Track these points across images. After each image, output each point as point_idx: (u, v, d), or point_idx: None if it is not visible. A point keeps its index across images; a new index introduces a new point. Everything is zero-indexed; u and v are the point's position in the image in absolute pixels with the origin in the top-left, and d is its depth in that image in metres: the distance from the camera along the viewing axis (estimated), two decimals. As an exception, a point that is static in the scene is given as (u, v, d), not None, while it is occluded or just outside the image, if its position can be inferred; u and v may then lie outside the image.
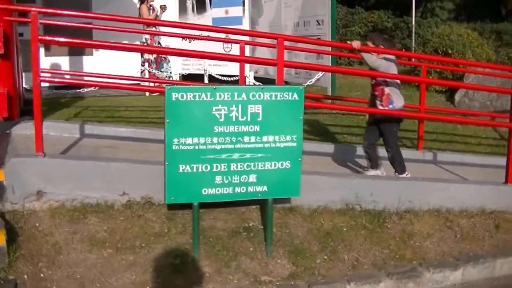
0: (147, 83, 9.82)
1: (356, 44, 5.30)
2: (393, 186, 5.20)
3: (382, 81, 5.56)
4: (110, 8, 11.10)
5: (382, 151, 5.79)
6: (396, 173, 5.67)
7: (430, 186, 5.28)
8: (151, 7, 11.97)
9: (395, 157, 5.68)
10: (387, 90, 5.55)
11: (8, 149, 5.26)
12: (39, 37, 4.48)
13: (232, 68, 11.54)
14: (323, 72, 10.24)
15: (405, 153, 6.04)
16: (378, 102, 5.58)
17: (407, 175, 5.65)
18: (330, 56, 10.26)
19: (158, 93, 10.48)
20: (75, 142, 6.08)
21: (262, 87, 4.18)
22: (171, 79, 11.78)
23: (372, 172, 5.76)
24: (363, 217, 4.94)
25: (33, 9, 4.58)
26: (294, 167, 4.29)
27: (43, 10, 5.11)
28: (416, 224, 5.03)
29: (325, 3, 10.75)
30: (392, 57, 5.62)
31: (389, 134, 5.66)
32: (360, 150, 6.73)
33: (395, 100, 5.55)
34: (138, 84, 8.91)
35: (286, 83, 12.32)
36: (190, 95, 3.99)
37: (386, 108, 5.55)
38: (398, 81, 5.67)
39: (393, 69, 5.55)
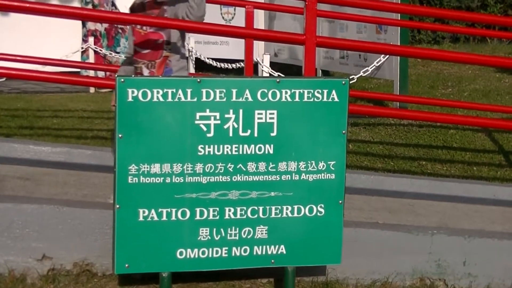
0: (91, 72, 9.96)
1: None
2: (504, 247, 5.25)
3: (163, 33, 5.55)
4: None
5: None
6: None
7: None
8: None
9: None
10: (166, 49, 5.55)
11: None
12: None
13: (235, 48, 11.69)
14: (387, 56, 10.34)
15: None
16: (145, 70, 5.58)
17: None
18: (399, 28, 10.36)
19: (109, 89, 10.60)
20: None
21: (278, 80, 4.28)
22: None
23: None
24: (450, 302, 5.01)
25: None
26: (332, 214, 4.36)
27: None
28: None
29: None
30: None
31: None
32: (449, 187, 6.79)
33: (175, 68, 5.56)
34: (77, 74, 9.03)
35: (326, 73, 12.49)
36: (157, 92, 4.08)
37: None
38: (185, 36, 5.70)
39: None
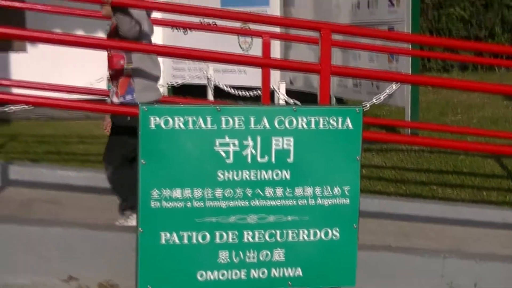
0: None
1: None
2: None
3: (123, 53, 5.53)
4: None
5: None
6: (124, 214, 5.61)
7: None
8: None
9: (118, 183, 5.62)
10: (127, 69, 5.52)
11: None
12: None
13: (252, 76, 11.70)
14: (399, 84, 10.34)
15: None
16: (113, 90, 5.60)
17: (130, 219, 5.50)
18: (409, 57, 10.37)
19: (131, 116, 10.62)
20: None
21: (295, 108, 4.28)
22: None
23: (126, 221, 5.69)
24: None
25: None
26: (347, 238, 4.35)
27: None
28: None
29: (403, -31, 10.89)
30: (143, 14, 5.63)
31: (112, 141, 5.67)
32: (459, 211, 6.78)
33: (138, 87, 5.51)
34: (102, 102, 9.04)
35: (340, 100, 12.50)
36: (179, 120, 4.09)
37: (122, 99, 5.53)
38: (156, 57, 5.69)
39: (146, 32, 5.60)
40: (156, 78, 5.66)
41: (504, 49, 12.53)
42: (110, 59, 5.57)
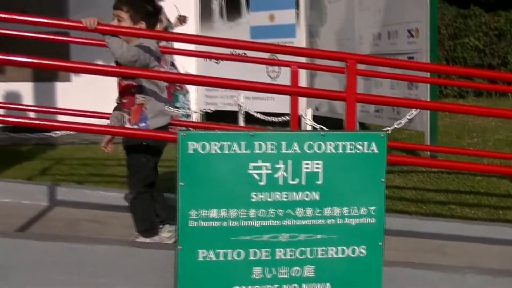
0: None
1: (91, 21, 5.13)
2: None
3: (135, 83, 5.45)
4: (95, 14, 11.41)
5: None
6: (137, 233, 5.58)
7: None
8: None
9: (136, 206, 5.57)
10: (139, 98, 5.46)
11: None
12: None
13: (280, 103, 11.75)
14: (418, 110, 10.33)
15: None
16: (126, 117, 5.53)
17: (154, 240, 5.52)
18: (428, 85, 10.36)
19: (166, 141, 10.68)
20: (41, 212, 6.26)
21: (323, 133, 4.29)
22: (189, 118, 12.01)
23: (164, 233, 5.70)
24: None
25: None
26: (372, 255, 4.34)
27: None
28: None
29: (421, 3, 10.87)
30: (153, 42, 5.56)
31: (132, 167, 5.60)
32: (477, 230, 6.74)
33: (150, 115, 5.47)
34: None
35: (362, 125, 12.48)
36: (215, 145, 4.12)
37: (135, 126, 5.48)
38: (162, 83, 5.59)
39: (154, 63, 5.49)
40: (164, 102, 5.67)
41: (516, 76, 12.49)
42: (122, 87, 5.52)
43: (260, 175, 4.18)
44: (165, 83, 5.99)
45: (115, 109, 5.71)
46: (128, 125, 5.46)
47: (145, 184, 5.58)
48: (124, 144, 5.65)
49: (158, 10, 5.88)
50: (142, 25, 5.44)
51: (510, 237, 6.64)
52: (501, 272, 5.41)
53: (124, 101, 5.52)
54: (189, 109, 12.38)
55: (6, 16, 5.12)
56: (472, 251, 6.40)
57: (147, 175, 5.60)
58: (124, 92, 5.51)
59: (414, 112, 10.39)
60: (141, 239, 5.45)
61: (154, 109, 5.50)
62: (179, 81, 11.71)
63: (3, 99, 11.79)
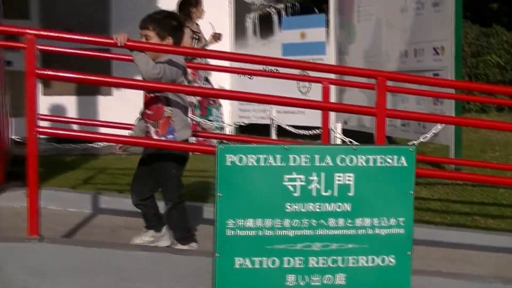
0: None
1: (121, 38, 5.12)
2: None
3: (162, 96, 5.43)
4: (134, 31, 11.52)
5: None
6: (175, 241, 5.55)
7: None
8: (195, 36, 11.99)
9: (173, 215, 5.55)
10: (167, 111, 5.44)
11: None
12: (37, 71, 4.65)
13: (310, 117, 11.74)
14: (443, 124, 10.27)
15: None
16: (152, 129, 5.51)
17: (191, 246, 5.49)
18: (453, 100, 10.30)
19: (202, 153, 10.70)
20: (85, 220, 6.30)
21: (355, 148, 4.28)
22: (222, 131, 12.02)
23: (147, 237, 5.68)
24: None
25: (29, 31, 4.68)
26: (401, 264, 4.31)
27: (43, 33, 5.20)
28: None
29: (446, 22, 10.85)
30: (180, 58, 5.53)
31: (164, 179, 5.58)
32: (500, 240, 6.68)
33: (177, 127, 5.45)
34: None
35: (389, 139, 12.42)
36: (252, 158, 4.12)
37: (163, 138, 5.45)
38: (187, 98, 5.58)
39: (181, 79, 5.49)
40: (187, 114, 5.68)
41: (538, 92, 12.40)
42: (148, 99, 5.52)
43: (294, 186, 4.18)
44: (193, 97, 6.02)
45: (138, 120, 5.73)
46: (155, 137, 5.48)
47: (179, 194, 5.63)
48: (148, 155, 5.65)
49: (182, 24, 5.89)
50: (169, 40, 5.46)
51: (533, 247, 6.58)
52: (525, 281, 5.36)
53: (150, 112, 5.52)
54: (222, 122, 12.39)
55: (55, 34, 5.16)
56: (496, 260, 6.35)
57: (179, 184, 5.66)
58: (150, 103, 5.51)
59: (439, 126, 10.34)
60: (179, 246, 5.47)
61: (181, 122, 5.52)
62: (215, 96, 11.76)
63: (48, 111, 11.87)
